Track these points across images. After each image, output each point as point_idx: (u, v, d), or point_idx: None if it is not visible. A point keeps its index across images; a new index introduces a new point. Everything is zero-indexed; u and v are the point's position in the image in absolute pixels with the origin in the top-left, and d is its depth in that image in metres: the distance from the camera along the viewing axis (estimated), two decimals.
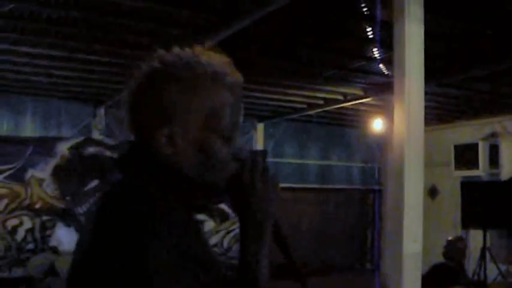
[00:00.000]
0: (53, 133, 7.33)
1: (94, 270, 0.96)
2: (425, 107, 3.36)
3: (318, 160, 9.69)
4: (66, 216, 6.25)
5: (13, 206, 6.09)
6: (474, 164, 7.85)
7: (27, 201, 6.14)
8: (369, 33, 4.32)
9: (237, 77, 1.12)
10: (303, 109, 7.85)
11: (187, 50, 1.11)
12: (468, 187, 7.43)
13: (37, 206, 6.17)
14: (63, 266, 5.31)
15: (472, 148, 7.88)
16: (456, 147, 8.10)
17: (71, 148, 6.42)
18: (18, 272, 5.92)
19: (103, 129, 7.58)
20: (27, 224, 6.10)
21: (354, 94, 6.82)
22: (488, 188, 7.43)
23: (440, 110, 7.67)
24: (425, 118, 3.36)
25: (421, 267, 3.31)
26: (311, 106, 7.66)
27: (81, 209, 6.32)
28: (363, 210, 9.94)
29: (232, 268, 1.14)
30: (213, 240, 6.93)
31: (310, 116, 8.28)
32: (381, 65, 5.10)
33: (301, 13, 4.17)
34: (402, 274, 3.14)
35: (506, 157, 7.78)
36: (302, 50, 5.19)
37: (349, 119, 8.65)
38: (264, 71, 5.76)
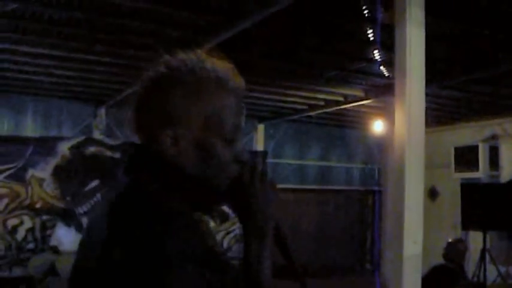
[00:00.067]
0: (53, 133, 7.34)
1: (109, 270, 0.98)
2: (426, 109, 3.37)
3: (318, 161, 9.70)
4: (67, 216, 6.26)
5: (13, 205, 6.10)
6: (474, 166, 7.85)
7: (27, 201, 6.15)
8: (369, 35, 4.33)
9: (239, 82, 1.16)
10: (303, 110, 7.86)
11: (192, 55, 1.15)
12: (468, 189, 7.43)
13: (37, 205, 6.17)
14: (63, 265, 5.32)
15: (472, 150, 7.89)
16: (456, 149, 8.10)
17: (72, 148, 6.42)
18: (18, 271, 5.92)
19: (104, 129, 7.59)
20: (28, 223, 6.11)
21: (355, 95, 6.83)
22: (488, 190, 7.42)
23: (440, 112, 7.67)
24: (426, 120, 3.37)
25: (421, 268, 3.31)
26: (312, 107, 7.67)
27: (81, 209, 6.33)
28: (362, 211, 9.95)
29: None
30: None
31: (311, 117, 8.29)
32: (381, 67, 5.10)
33: (302, 15, 4.18)
34: (402, 275, 3.15)
35: (506, 159, 7.78)
36: (303, 51, 5.20)
37: (350, 120, 8.65)
38: (264, 72, 5.76)
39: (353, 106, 7.20)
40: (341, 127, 9.38)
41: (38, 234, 6.14)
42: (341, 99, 7.06)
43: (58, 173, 6.29)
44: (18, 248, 6.02)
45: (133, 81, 5.89)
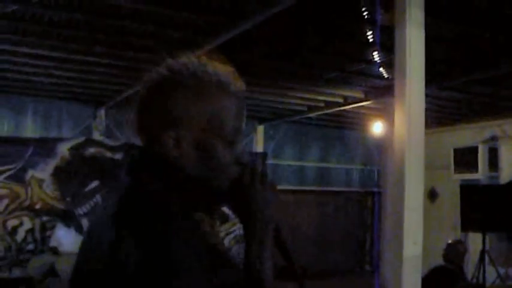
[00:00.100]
0: (53, 134, 7.35)
1: (116, 270, 0.99)
2: (426, 110, 3.37)
3: (317, 162, 9.71)
4: (66, 217, 6.25)
5: (13, 206, 6.08)
6: (473, 167, 7.86)
7: (27, 202, 6.13)
8: (369, 37, 4.33)
9: (240, 85, 1.18)
10: (303, 111, 7.87)
11: (193, 59, 1.17)
12: (467, 190, 7.43)
13: (37, 206, 6.16)
14: (63, 266, 5.31)
15: (472, 151, 7.90)
16: (456, 150, 8.11)
17: (72, 149, 6.40)
18: (17, 272, 5.91)
19: (103, 130, 7.59)
20: (27, 224, 6.09)
21: (355, 97, 6.83)
22: (487, 191, 7.43)
23: (440, 113, 7.68)
24: (426, 121, 3.37)
25: (421, 269, 3.31)
26: (311, 108, 7.68)
27: (81, 210, 6.32)
28: (362, 212, 9.96)
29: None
30: None
31: (311, 118, 8.30)
32: (381, 68, 5.11)
33: (302, 16, 4.18)
34: (402, 276, 3.15)
35: (506, 160, 7.79)
36: (303, 52, 5.20)
37: (349, 121, 8.66)
38: (264, 73, 5.77)
39: (353, 107, 7.21)
40: (341, 128, 9.39)
41: (37, 235, 6.13)
42: (341, 100, 7.07)
43: (58, 174, 6.28)
44: (18, 249, 6.01)
45: (133, 83, 5.90)
